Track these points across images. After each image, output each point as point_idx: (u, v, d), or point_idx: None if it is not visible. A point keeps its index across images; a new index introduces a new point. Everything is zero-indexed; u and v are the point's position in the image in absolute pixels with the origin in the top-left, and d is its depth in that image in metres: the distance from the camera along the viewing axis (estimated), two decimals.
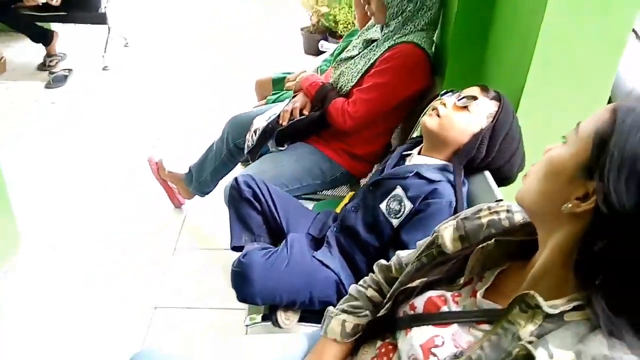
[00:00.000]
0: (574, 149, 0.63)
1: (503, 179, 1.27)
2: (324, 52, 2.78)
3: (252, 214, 1.44)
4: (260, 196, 1.44)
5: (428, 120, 1.30)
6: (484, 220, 0.84)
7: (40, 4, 3.39)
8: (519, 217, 0.80)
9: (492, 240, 0.76)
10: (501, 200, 1.12)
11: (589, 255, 0.59)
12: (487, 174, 1.25)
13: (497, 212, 0.84)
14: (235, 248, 1.44)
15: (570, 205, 0.61)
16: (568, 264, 0.62)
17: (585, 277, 0.60)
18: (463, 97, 1.27)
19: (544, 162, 0.68)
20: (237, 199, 1.45)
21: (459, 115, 1.26)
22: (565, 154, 0.64)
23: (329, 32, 4.09)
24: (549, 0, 1.17)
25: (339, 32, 3.96)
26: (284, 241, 1.34)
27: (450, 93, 1.33)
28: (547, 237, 0.67)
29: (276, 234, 1.45)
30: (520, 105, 1.30)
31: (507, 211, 0.83)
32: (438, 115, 1.28)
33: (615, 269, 0.58)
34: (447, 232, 0.86)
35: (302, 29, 4.28)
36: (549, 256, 0.66)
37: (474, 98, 1.25)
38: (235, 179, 1.48)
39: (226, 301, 1.77)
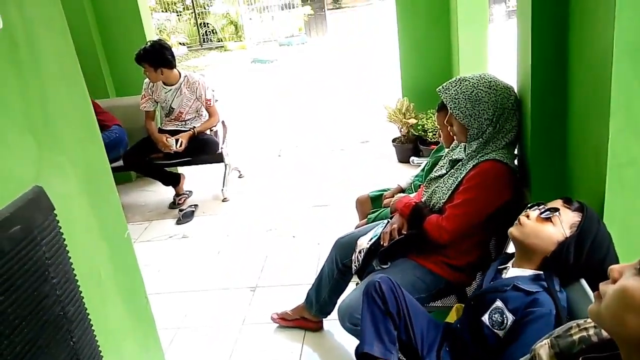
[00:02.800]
0: None
1: (598, 284, 1.31)
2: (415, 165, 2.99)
3: (389, 327, 1.51)
4: (401, 307, 1.52)
5: (513, 230, 1.43)
6: (575, 338, 0.92)
7: (172, 152, 3.99)
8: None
9: (580, 359, 0.84)
10: None
11: None
12: (584, 282, 1.30)
13: (586, 329, 0.92)
14: (362, 355, 1.49)
15: None
16: None
17: None
18: (546, 210, 1.37)
19: (619, 292, 0.73)
20: (377, 306, 1.53)
21: (542, 226, 1.37)
22: None
23: (420, 141, 4.33)
24: (612, 107, 1.29)
25: (429, 139, 4.18)
26: None
27: (535, 207, 1.44)
28: (629, 357, 0.73)
29: (407, 349, 1.54)
30: (604, 210, 1.37)
31: (595, 327, 0.91)
32: (521, 225, 1.40)
33: None
34: (543, 350, 0.95)
35: (393, 140, 4.58)
36: None
37: (556, 210, 1.36)
38: (377, 282, 1.58)
39: None
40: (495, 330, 1.35)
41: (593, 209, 1.37)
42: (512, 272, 1.45)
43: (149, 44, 3.90)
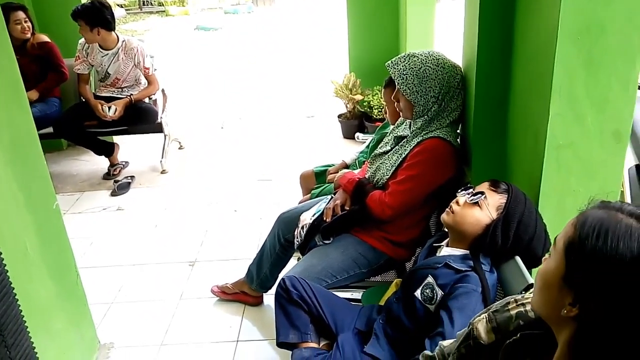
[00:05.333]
0: (554, 262, 0.75)
1: (531, 262, 1.37)
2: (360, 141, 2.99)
3: (299, 313, 1.58)
4: (306, 297, 1.58)
5: (445, 216, 1.48)
6: (513, 313, 0.94)
7: (108, 120, 3.76)
8: None
9: (518, 335, 0.86)
10: (532, 285, 1.21)
11: (586, 350, 0.69)
12: (518, 258, 1.35)
13: (523, 305, 0.95)
14: (281, 345, 1.57)
15: (565, 310, 0.72)
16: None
17: None
18: (473, 194, 1.42)
19: (538, 276, 0.80)
20: (284, 299, 1.60)
21: (470, 211, 1.42)
22: (550, 267, 0.76)
23: (365, 117, 4.35)
24: (554, 91, 1.32)
25: (374, 116, 4.20)
26: (335, 344, 1.46)
27: (464, 191, 1.48)
28: (558, 336, 0.77)
29: (324, 333, 1.58)
30: (541, 191, 1.41)
31: None
32: (452, 212, 1.44)
33: None
34: (480, 325, 0.97)
35: (339, 116, 4.57)
36: (561, 352, 0.76)
37: (482, 194, 1.41)
38: (283, 279, 1.64)
39: None
40: (427, 305, 1.39)
41: (520, 190, 1.42)
42: (445, 250, 1.50)
43: (87, 0, 3.64)
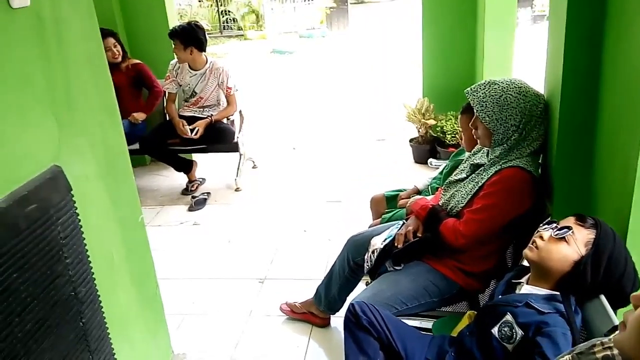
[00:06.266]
0: None
1: (618, 301, 1.28)
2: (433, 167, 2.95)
3: (369, 340, 1.55)
4: (376, 323, 1.56)
5: (528, 252, 1.40)
6: (599, 356, 0.89)
7: (189, 138, 3.98)
8: None
9: None
10: (617, 327, 1.14)
11: None
12: (603, 298, 1.27)
13: (610, 348, 0.89)
14: None
15: None
16: None
17: None
18: (559, 229, 1.35)
19: (638, 321, 0.72)
20: (353, 324, 1.58)
21: (557, 247, 1.34)
22: None
23: (437, 142, 4.29)
24: None
25: (447, 141, 4.14)
26: None
27: (547, 225, 1.40)
28: None
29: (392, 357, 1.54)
30: (629, 229, 1.33)
31: None
32: (536, 247, 1.37)
33: None
34: None
35: (410, 140, 4.54)
36: None
37: (570, 228, 1.33)
38: (352, 304, 1.63)
39: None
40: (504, 344, 1.33)
41: (608, 225, 1.34)
42: (526, 288, 1.42)
43: (184, 22, 3.93)
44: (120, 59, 4.10)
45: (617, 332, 1.12)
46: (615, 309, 1.24)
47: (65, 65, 1.55)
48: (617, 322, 1.17)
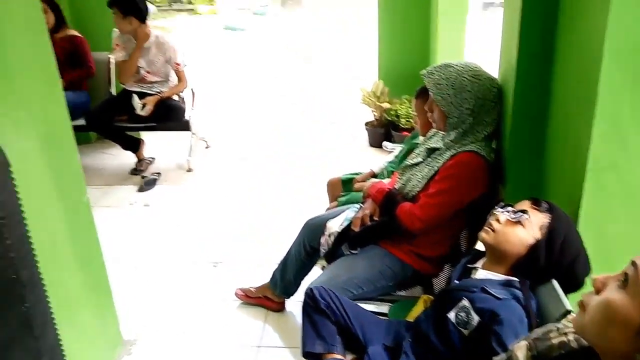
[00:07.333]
0: (633, 306, 0.67)
1: (570, 286, 1.32)
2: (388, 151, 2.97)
3: (326, 323, 1.54)
4: (334, 307, 1.55)
5: (484, 235, 1.39)
6: (555, 342, 0.90)
7: (138, 115, 3.82)
8: None
9: None
10: (569, 312, 1.17)
11: None
12: (555, 282, 1.30)
13: (565, 334, 0.91)
14: (307, 355, 1.53)
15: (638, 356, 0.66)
16: None
17: None
18: (515, 212, 1.35)
19: (604, 306, 0.72)
20: (311, 308, 1.57)
21: (513, 230, 1.34)
22: (628, 305, 0.68)
23: (392, 126, 4.32)
24: (597, 111, 1.28)
25: (401, 125, 4.17)
26: (365, 356, 1.43)
27: (502, 209, 1.40)
28: None
29: (351, 347, 1.54)
30: (580, 214, 1.37)
31: (575, 332, 0.90)
32: (493, 230, 1.37)
33: None
34: (520, 352, 0.94)
35: (366, 124, 4.55)
36: None
37: (525, 212, 1.34)
38: (310, 289, 1.62)
39: None
40: (460, 329, 1.34)
41: (562, 210, 1.36)
42: (481, 273, 1.42)
43: None
44: (52, 27, 3.79)
45: (570, 315, 1.15)
46: (567, 293, 1.28)
47: (2, 29, 1.42)
48: (569, 306, 1.20)
